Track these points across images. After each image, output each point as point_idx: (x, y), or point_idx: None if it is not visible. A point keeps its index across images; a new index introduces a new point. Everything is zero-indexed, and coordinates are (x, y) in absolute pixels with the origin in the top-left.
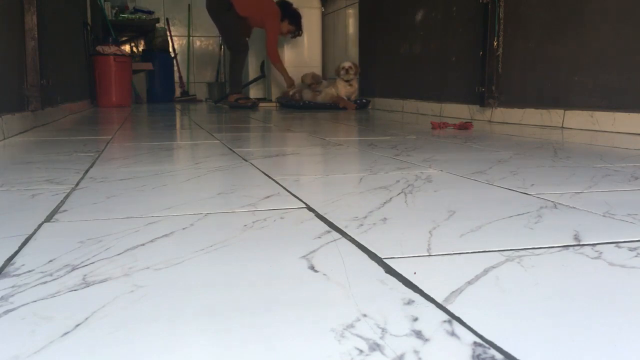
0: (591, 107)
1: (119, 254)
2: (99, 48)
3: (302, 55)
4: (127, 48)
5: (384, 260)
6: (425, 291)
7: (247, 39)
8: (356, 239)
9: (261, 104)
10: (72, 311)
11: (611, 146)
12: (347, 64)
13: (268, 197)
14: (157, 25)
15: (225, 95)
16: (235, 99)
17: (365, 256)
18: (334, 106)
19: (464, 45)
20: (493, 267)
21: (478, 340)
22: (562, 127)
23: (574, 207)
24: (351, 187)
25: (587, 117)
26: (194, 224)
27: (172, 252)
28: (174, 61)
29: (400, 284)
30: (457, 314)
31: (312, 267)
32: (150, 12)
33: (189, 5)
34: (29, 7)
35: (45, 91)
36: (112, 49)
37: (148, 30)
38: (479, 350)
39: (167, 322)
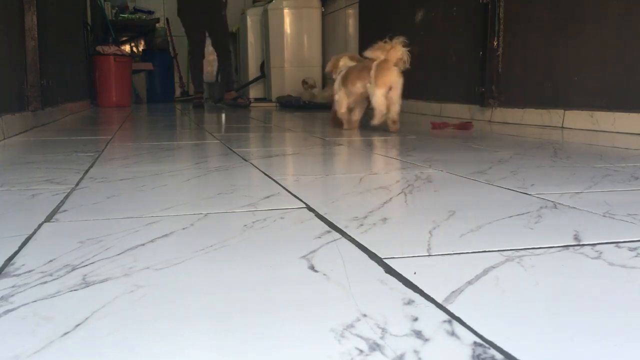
0: (591, 107)
1: (119, 254)
2: (99, 48)
3: (302, 55)
4: (127, 48)
5: (384, 260)
6: (425, 291)
7: (202, 40)
8: (356, 239)
9: (261, 104)
10: (72, 311)
11: (611, 146)
12: None
13: (268, 197)
14: (157, 25)
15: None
16: (234, 97)
17: (365, 256)
18: None
19: (464, 45)
20: (493, 267)
21: (478, 340)
22: (562, 127)
23: (574, 207)
24: (351, 187)
25: (587, 117)
26: (194, 224)
27: (172, 252)
28: (174, 61)
29: (400, 284)
30: (457, 314)
31: (312, 267)
32: (150, 12)
33: None
34: (29, 7)
35: (45, 91)
36: (112, 49)
37: (148, 30)
38: (479, 350)
39: (167, 322)
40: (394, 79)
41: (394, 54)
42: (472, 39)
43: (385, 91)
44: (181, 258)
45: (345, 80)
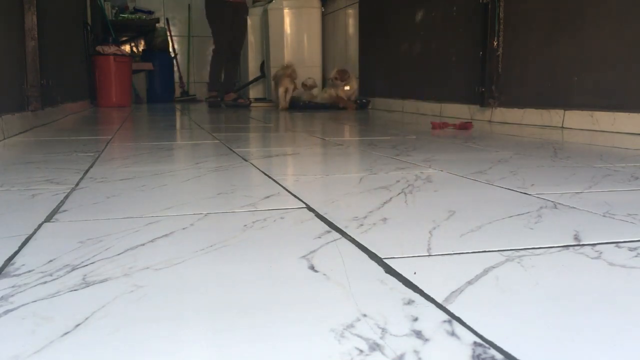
0: (591, 107)
1: (119, 254)
2: (99, 48)
3: (302, 55)
4: (127, 48)
5: (384, 260)
6: (425, 291)
7: (230, 41)
8: (356, 239)
9: (261, 104)
10: (72, 311)
11: (611, 146)
12: (332, 74)
13: (268, 197)
14: (157, 25)
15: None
16: (234, 98)
17: (365, 256)
18: (334, 106)
19: (464, 45)
20: (493, 267)
21: (478, 340)
22: (562, 127)
23: (574, 207)
24: (351, 187)
25: (587, 117)
26: (194, 224)
27: (172, 252)
28: (174, 61)
29: (400, 284)
30: (457, 314)
31: (312, 267)
32: (150, 12)
33: (189, 5)
34: (29, 7)
35: (45, 91)
36: (112, 49)
37: (148, 30)
38: (479, 350)
39: (167, 322)
40: (287, 84)
41: (286, 70)
42: (472, 39)
43: (283, 90)
44: (181, 258)
45: (275, 84)
